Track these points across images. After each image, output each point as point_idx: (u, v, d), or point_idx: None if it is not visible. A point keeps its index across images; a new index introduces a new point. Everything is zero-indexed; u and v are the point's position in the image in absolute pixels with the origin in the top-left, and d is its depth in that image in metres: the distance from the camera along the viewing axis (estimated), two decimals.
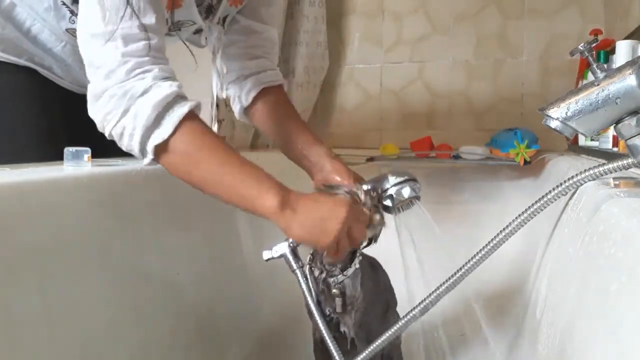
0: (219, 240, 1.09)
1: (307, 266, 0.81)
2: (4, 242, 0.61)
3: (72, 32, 0.96)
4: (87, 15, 0.68)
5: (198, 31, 0.97)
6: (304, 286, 0.79)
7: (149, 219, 0.88)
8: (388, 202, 0.82)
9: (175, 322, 0.90)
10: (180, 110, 0.68)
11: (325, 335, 0.78)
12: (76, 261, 0.71)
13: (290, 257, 0.79)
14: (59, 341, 0.66)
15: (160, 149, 0.69)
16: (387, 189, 0.82)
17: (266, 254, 0.80)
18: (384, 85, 2.07)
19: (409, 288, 0.93)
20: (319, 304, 0.79)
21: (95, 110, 0.69)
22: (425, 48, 1.99)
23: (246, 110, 1.01)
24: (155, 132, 0.68)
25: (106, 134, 0.71)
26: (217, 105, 1.55)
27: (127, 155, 0.99)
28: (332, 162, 0.91)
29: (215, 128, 1.58)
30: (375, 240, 0.82)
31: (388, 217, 0.85)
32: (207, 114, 1.54)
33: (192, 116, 0.69)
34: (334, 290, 0.78)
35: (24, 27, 0.96)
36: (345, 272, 0.79)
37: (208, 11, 0.94)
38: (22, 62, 0.98)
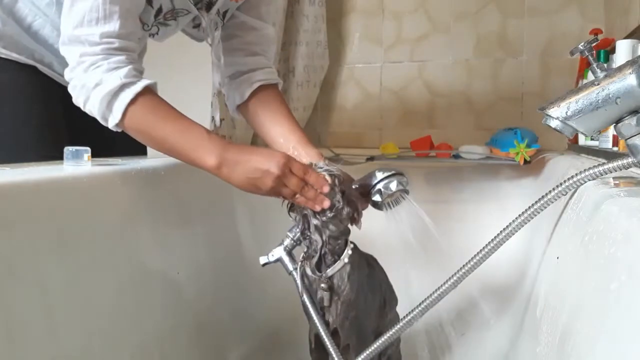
0: (219, 240, 1.09)
1: (299, 263, 0.82)
2: (4, 242, 0.61)
3: None
4: (65, 14, 0.78)
5: (197, 25, 0.97)
6: (300, 287, 0.81)
7: (149, 219, 0.88)
8: (377, 197, 0.83)
9: (175, 322, 0.90)
10: (126, 97, 0.77)
11: (324, 335, 0.79)
12: (76, 261, 0.71)
13: (286, 260, 0.82)
14: (59, 341, 0.66)
15: (119, 127, 0.80)
16: (375, 184, 0.83)
17: (263, 259, 0.83)
18: (384, 85, 2.07)
19: (408, 287, 0.93)
20: (313, 303, 0.80)
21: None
22: (425, 47, 1.99)
23: (240, 107, 1.02)
24: (110, 118, 0.78)
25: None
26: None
27: (127, 155, 0.99)
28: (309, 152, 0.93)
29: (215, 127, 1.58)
30: (339, 211, 0.79)
31: (380, 214, 0.85)
32: (207, 114, 1.54)
33: (139, 98, 0.78)
34: (322, 285, 0.79)
35: (25, 23, 0.96)
36: (332, 267, 0.80)
37: (209, 6, 0.95)
38: (23, 59, 0.97)
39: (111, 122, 0.78)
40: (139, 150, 1.16)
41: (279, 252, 0.82)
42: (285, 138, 0.96)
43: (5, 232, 0.61)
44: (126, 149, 1.01)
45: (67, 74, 0.79)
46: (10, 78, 0.98)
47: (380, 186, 0.83)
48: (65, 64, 1.01)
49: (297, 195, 0.77)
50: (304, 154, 0.92)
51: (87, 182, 0.77)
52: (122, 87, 0.77)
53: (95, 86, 0.76)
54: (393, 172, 0.83)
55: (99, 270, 0.75)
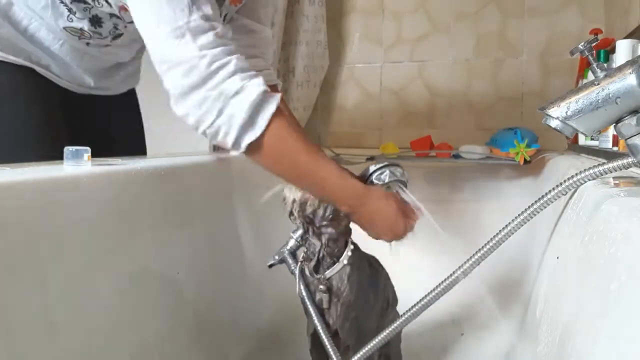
0: (219, 240, 1.09)
1: (299, 264, 0.82)
2: (4, 242, 0.61)
3: (69, 31, 0.95)
4: (150, 16, 0.70)
5: None
6: (302, 286, 0.81)
7: (149, 219, 0.88)
8: None
9: (175, 322, 0.90)
10: (270, 108, 0.71)
11: (322, 334, 0.79)
12: (76, 261, 0.71)
13: (290, 261, 0.83)
14: (59, 341, 0.66)
15: (253, 146, 0.72)
16: (368, 176, 0.83)
17: (269, 260, 0.84)
18: (384, 85, 2.06)
19: (407, 286, 0.93)
20: (314, 302, 0.80)
21: (184, 109, 0.71)
22: (425, 47, 1.99)
23: None
24: (249, 131, 0.71)
25: (199, 132, 0.73)
26: None
27: (127, 155, 0.99)
28: None
29: None
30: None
31: None
32: None
33: (279, 112, 0.72)
34: (321, 286, 0.79)
35: (21, 26, 0.96)
36: (331, 268, 0.79)
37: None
38: (20, 61, 0.97)
39: (251, 137, 0.70)
40: (139, 150, 1.16)
41: (283, 253, 0.83)
42: None
43: (5, 232, 0.61)
44: (126, 149, 1.01)
45: (177, 87, 0.69)
46: (8, 79, 0.98)
47: (372, 178, 0.82)
48: (63, 65, 1.01)
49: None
50: None
51: (87, 182, 0.77)
52: (265, 96, 0.70)
53: (235, 94, 0.69)
54: (386, 163, 0.83)
55: (99, 270, 0.75)
